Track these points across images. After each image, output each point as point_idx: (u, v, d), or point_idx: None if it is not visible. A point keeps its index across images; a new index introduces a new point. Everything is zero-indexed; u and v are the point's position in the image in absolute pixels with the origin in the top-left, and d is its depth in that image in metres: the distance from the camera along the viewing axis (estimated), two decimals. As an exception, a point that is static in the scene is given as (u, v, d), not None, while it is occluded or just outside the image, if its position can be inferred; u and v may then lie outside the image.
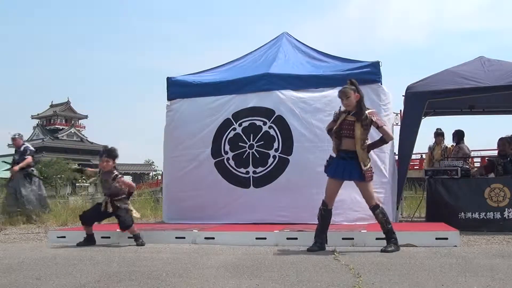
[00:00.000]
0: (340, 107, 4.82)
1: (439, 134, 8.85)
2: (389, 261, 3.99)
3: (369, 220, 6.13)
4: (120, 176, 5.47)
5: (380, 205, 4.78)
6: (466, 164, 7.60)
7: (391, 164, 6.61)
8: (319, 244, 4.69)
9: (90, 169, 6.25)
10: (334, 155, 4.80)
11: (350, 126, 4.65)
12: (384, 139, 4.78)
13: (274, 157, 6.71)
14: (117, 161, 5.64)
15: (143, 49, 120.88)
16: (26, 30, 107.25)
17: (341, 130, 4.69)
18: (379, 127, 4.67)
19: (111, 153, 5.48)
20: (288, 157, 6.64)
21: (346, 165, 4.63)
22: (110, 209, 5.38)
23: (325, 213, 4.74)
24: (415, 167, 14.74)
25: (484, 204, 6.25)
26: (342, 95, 4.69)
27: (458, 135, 8.55)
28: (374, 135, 5.05)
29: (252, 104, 6.93)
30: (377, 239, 4.86)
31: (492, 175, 7.15)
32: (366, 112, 4.65)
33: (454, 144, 8.75)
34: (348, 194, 6.15)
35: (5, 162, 11.63)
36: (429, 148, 9.06)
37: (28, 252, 5.09)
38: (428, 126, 8.68)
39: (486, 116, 9.56)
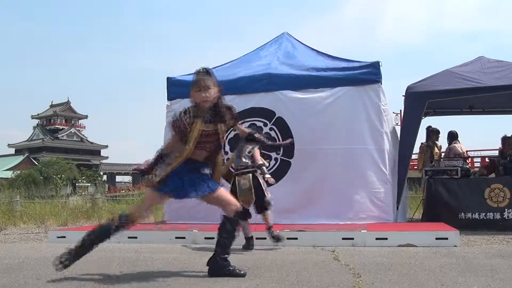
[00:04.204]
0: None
1: (437, 132, 8.67)
2: (389, 261, 3.99)
3: (368, 220, 6.13)
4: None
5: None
6: (466, 164, 7.57)
7: (391, 163, 6.58)
8: None
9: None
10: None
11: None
12: None
13: (276, 159, 6.70)
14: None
15: (143, 49, 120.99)
16: (26, 30, 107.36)
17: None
18: None
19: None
20: (290, 160, 6.64)
21: None
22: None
23: None
24: (415, 167, 14.69)
25: (484, 204, 6.26)
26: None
27: (450, 136, 8.46)
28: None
29: (253, 104, 6.92)
30: (377, 239, 4.86)
31: (493, 175, 7.15)
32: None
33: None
34: (348, 196, 6.17)
35: None
36: (428, 146, 8.83)
37: (28, 252, 5.08)
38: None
39: (486, 116, 9.57)
